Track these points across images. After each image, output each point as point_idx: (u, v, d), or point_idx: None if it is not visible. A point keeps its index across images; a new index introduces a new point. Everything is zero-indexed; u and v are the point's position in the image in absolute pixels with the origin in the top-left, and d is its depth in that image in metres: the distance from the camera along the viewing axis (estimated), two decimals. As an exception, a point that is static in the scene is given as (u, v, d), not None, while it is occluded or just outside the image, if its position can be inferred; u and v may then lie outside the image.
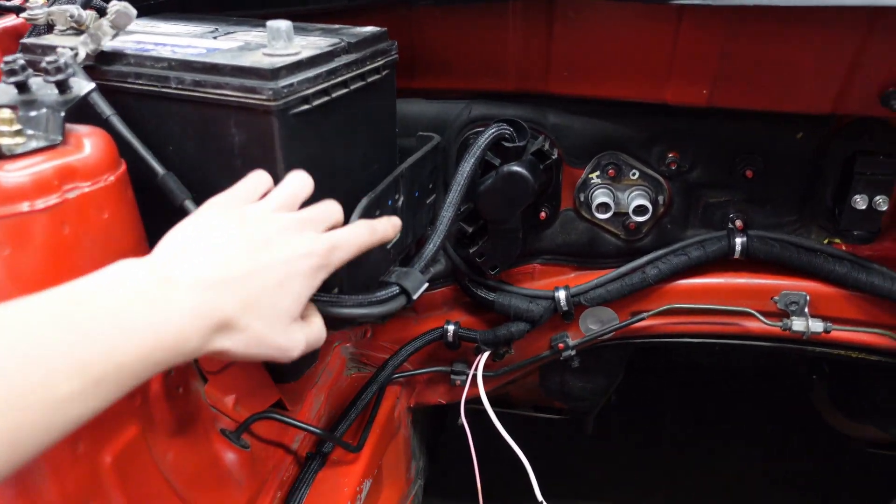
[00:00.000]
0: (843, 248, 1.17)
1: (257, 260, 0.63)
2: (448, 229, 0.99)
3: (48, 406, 0.48)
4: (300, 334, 0.67)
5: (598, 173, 1.16)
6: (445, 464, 1.84)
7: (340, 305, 0.82)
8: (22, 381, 0.47)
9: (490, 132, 1.03)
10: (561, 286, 1.21)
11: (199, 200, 0.86)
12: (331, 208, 0.76)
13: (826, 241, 1.18)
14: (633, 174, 1.15)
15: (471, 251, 1.18)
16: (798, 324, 1.15)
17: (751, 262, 1.17)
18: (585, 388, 1.46)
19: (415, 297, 0.92)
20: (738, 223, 1.16)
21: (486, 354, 1.27)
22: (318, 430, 1.09)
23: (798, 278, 1.16)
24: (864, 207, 1.07)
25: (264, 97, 0.76)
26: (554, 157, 1.13)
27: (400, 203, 1.02)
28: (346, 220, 0.88)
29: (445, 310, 1.33)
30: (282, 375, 1.18)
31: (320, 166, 0.88)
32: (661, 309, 1.20)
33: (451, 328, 1.27)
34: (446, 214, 0.99)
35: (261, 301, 0.62)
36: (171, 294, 0.56)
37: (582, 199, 1.18)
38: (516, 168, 1.08)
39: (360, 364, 1.37)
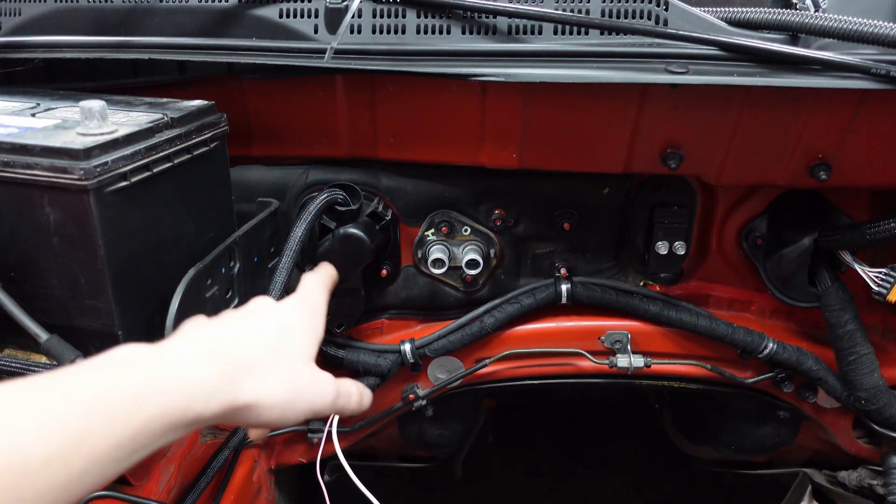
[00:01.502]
0: (657, 289, 1.29)
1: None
2: (282, 293, 1.02)
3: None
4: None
5: (432, 231, 1.23)
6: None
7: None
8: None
9: (320, 199, 1.08)
10: (407, 339, 1.26)
11: (17, 279, 0.86)
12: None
13: (642, 284, 1.30)
14: (466, 230, 1.23)
15: (316, 311, 1.21)
16: (622, 360, 1.26)
17: (578, 306, 1.27)
18: (443, 434, 1.51)
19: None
20: (563, 271, 1.26)
21: (339, 411, 1.30)
22: (158, 504, 1.07)
23: (620, 318, 1.27)
24: (665, 252, 1.20)
25: (76, 177, 0.78)
26: (388, 218, 1.19)
27: (235, 270, 1.05)
28: (172, 292, 0.90)
29: (299, 369, 1.35)
30: (126, 449, 1.15)
31: (147, 239, 0.89)
32: (500, 355, 1.28)
33: (302, 387, 1.29)
34: (278, 279, 1.03)
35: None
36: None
37: (420, 255, 1.25)
38: (351, 230, 1.13)
39: (216, 430, 1.36)
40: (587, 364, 1.28)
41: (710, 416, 1.55)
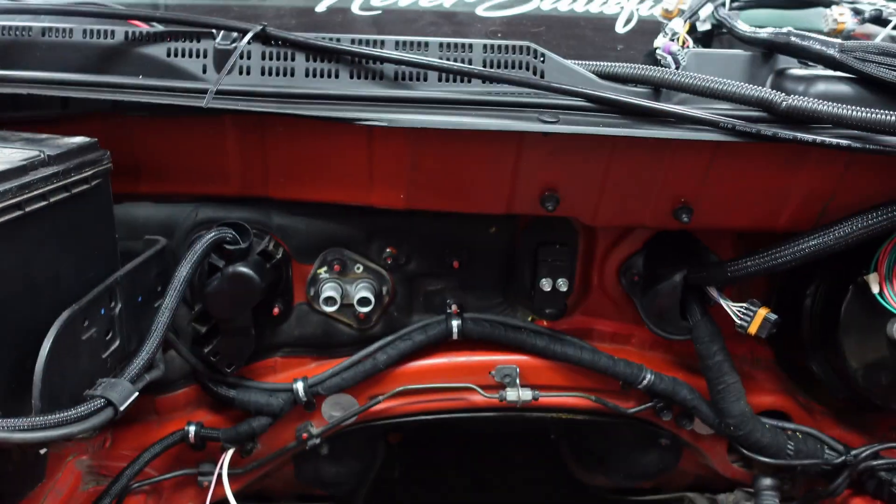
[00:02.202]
0: (545, 324, 1.34)
1: None
2: (163, 335, 1.01)
3: None
4: None
5: (325, 269, 1.25)
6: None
7: (32, 429, 0.80)
8: None
9: (207, 238, 1.08)
10: (300, 378, 1.26)
11: None
12: None
13: (530, 319, 1.35)
14: (358, 268, 1.25)
15: (205, 351, 1.20)
16: (511, 394, 1.30)
17: (469, 342, 1.30)
18: (340, 472, 1.50)
19: (122, 408, 0.92)
20: (454, 307, 1.30)
21: (230, 452, 1.28)
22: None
23: (509, 353, 1.32)
24: (549, 289, 1.25)
25: (-64, 218, 0.75)
26: (280, 256, 1.19)
27: (117, 311, 1.03)
28: (45, 333, 0.88)
29: (189, 410, 1.32)
30: (-3, 500, 1.09)
31: (19, 280, 0.87)
32: (394, 391, 1.29)
33: (192, 429, 1.26)
34: (161, 320, 1.01)
35: None
36: None
37: (313, 293, 1.26)
38: (240, 269, 1.13)
39: (100, 476, 1.30)
40: (478, 398, 1.32)
41: (599, 446, 1.62)
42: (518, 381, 1.31)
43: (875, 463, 1.31)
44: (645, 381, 1.27)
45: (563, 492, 2.36)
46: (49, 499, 1.18)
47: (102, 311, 1.00)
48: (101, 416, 0.88)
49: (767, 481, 1.39)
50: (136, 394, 0.94)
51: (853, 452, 1.32)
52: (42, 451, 1.10)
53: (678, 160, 1.03)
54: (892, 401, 1.26)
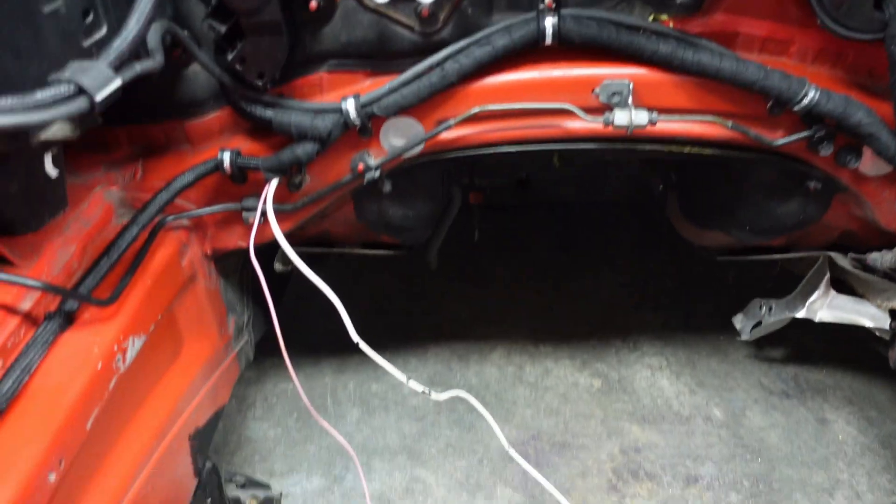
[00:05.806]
0: (671, 24, 1.00)
1: None
2: (153, 9, 0.75)
3: None
4: None
5: (373, -58, 0.93)
6: (298, 315, 1.67)
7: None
8: None
9: None
10: (350, 95, 1.01)
11: None
12: None
13: (651, 18, 1.00)
14: (419, -58, 0.93)
15: (229, 58, 0.95)
16: (621, 117, 1.00)
17: (567, 50, 0.99)
18: (407, 215, 1.29)
19: (99, 97, 0.69)
20: (549, 1, 0.97)
21: (273, 184, 1.08)
22: (33, 282, 0.88)
23: (621, 64, 1.00)
24: (685, -36, 0.90)
25: None
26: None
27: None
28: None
29: (226, 137, 1.11)
30: (11, 227, 0.95)
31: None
32: (468, 113, 1.02)
33: (226, 156, 1.06)
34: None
35: None
36: None
37: (360, -21, 0.95)
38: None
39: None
40: (577, 124, 1.03)
41: (724, 193, 1.31)
42: (630, 100, 1.00)
43: None
44: (807, 99, 0.94)
45: (662, 258, 2.14)
46: (73, 228, 1.03)
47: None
48: (70, 105, 0.67)
49: (949, 237, 1.08)
50: (118, 82, 0.71)
51: None
52: (52, 174, 0.93)
53: None
54: None
